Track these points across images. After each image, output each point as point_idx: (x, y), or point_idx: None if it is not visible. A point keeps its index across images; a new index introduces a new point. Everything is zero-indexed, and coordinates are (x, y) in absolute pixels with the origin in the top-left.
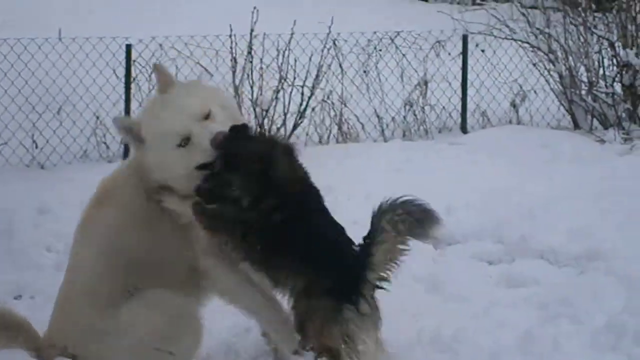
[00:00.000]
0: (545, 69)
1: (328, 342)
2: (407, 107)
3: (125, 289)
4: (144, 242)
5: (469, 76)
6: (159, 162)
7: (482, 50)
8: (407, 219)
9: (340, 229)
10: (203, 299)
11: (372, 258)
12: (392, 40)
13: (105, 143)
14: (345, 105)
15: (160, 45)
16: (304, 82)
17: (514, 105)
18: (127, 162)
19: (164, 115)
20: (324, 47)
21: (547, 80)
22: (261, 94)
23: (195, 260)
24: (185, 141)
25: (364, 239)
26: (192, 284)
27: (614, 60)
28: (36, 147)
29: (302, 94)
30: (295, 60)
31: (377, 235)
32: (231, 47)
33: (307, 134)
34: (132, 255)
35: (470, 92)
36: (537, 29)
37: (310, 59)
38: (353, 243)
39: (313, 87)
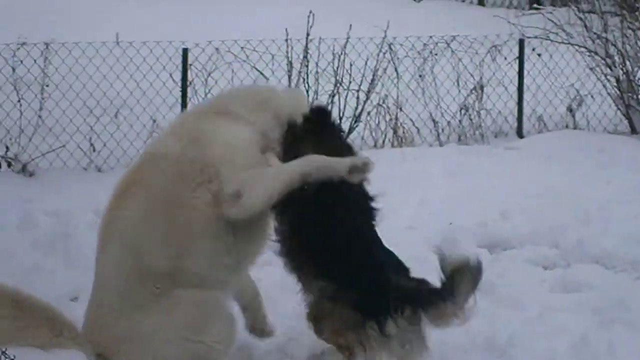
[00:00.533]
0: (603, 73)
1: (343, 343)
2: (463, 112)
3: (153, 287)
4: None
5: (525, 80)
6: None
7: (539, 55)
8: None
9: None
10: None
11: (425, 294)
12: (448, 45)
13: None
14: (401, 110)
15: (217, 49)
16: (360, 86)
17: (570, 110)
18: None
19: None
20: (380, 51)
21: (604, 85)
22: (317, 98)
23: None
24: None
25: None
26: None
27: None
28: (94, 150)
29: (358, 98)
30: (351, 65)
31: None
32: (287, 51)
33: (362, 138)
34: (162, 252)
35: (527, 96)
36: (595, 33)
37: (366, 63)
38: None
39: (368, 91)
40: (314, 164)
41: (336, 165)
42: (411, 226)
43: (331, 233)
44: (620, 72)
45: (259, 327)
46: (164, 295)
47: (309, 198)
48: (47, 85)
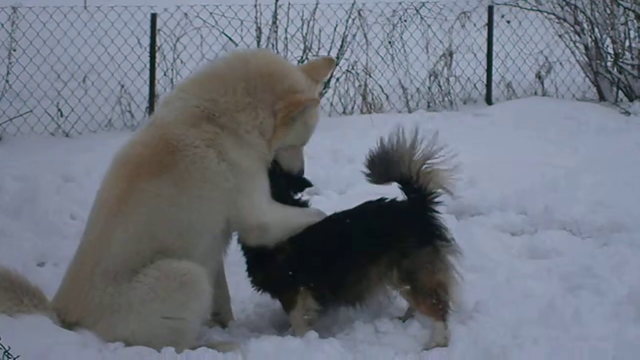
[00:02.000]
0: (571, 40)
1: (441, 278)
2: (432, 78)
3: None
4: (180, 214)
5: (494, 47)
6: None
7: (508, 22)
8: None
9: None
10: (216, 269)
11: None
12: (417, 11)
13: (130, 112)
14: (370, 76)
15: (185, 14)
16: (329, 52)
17: (539, 76)
18: (168, 124)
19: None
20: (349, 17)
21: (572, 52)
22: None
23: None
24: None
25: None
26: (212, 253)
27: None
28: (61, 115)
29: None
30: (320, 31)
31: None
32: (256, 17)
33: (331, 104)
34: (173, 235)
35: (496, 63)
36: (564, 0)
37: (335, 29)
38: None
39: (337, 57)
40: (321, 216)
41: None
42: (378, 192)
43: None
44: (589, 39)
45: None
46: (154, 267)
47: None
48: (15, 50)
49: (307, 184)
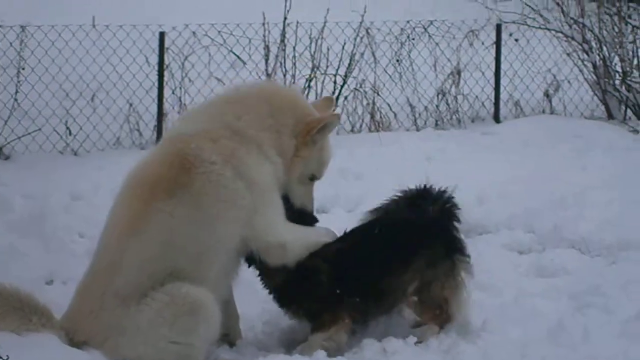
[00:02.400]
0: (579, 58)
1: (447, 295)
2: (440, 96)
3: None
4: (203, 239)
5: (502, 66)
6: (307, 167)
7: (516, 40)
8: None
9: None
10: (228, 291)
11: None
12: (426, 29)
13: (138, 130)
14: (378, 94)
15: (194, 33)
16: (337, 70)
17: (547, 95)
18: (184, 141)
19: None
20: (357, 35)
21: (580, 70)
22: (294, 83)
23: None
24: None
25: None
26: (225, 275)
27: None
28: (70, 133)
29: (335, 82)
30: (328, 49)
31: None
32: (264, 36)
33: (339, 123)
34: (186, 257)
35: (504, 81)
36: (572, 18)
37: (343, 48)
38: None
39: (346, 75)
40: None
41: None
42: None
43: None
44: (597, 57)
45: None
46: (163, 291)
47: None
48: (24, 69)
49: (315, 220)
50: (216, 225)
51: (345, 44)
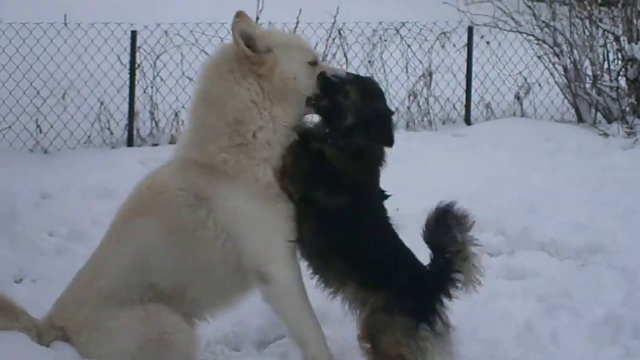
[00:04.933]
0: (550, 62)
1: (405, 352)
2: (411, 98)
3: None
4: (179, 260)
5: (473, 68)
6: (288, 71)
7: (487, 42)
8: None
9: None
10: (214, 314)
11: (454, 275)
12: (397, 31)
13: (109, 129)
14: None
15: (166, 32)
16: None
17: (518, 97)
18: (168, 165)
19: (294, 38)
20: (329, 36)
21: (551, 73)
22: None
23: (252, 267)
24: (314, 63)
25: (440, 254)
26: (214, 300)
27: (619, 54)
28: (40, 131)
29: None
30: None
31: (459, 253)
32: None
33: None
34: (163, 274)
35: (475, 84)
36: (543, 21)
37: (315, 48)
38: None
39: None
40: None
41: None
42: None
43: (369, 242)
44: (568, 60)
45: None
46: (143, 309)
47: (337, 208)
48: None
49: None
50: (187, 250)
51: (317, 44)
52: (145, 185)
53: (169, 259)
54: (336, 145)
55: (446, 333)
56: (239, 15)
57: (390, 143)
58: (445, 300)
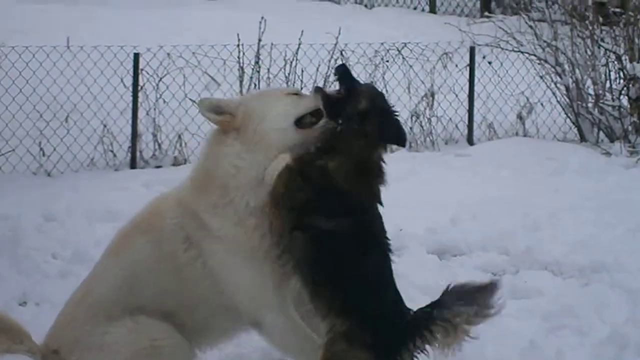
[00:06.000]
0: (552, 81)
1: None
2: (414, 118)
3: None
4: (165, 287)
5: (475, 88)
6: (260, 109)
7: (490, 62)
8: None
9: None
10: (207, 343)
11: (426, 330)
12: (399, 52)
13: (112, 151)
14: None
15: (168, 54)
16: None
17: (520, 117)
18: (173, 193)
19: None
20: (331, 57)
21: (553, 93)
22: None
23: (248, 312)
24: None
25: (428, 307)
26: (203, 330)
27: (621, 74)
28: (43, 154)
29: None
30: (303, 71)
31: (442, 313)
32: (239, 57)
33: None
34: (149, 297)
35: (477, 104)
36: (545, 41)
37: (317, 69)
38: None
39: None
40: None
41: None
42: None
43: (349, 268)
44: (570, 80)
45: None
46: (132, 320)
47: (323, 230)
48: None
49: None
50: (175, 279)
51: (319, 65)
52: (152, 206)
53: (157, 282)
54: (349, 129)
55: None
56: (199, 102)
57: (402, 141)
58: (415, 348)
